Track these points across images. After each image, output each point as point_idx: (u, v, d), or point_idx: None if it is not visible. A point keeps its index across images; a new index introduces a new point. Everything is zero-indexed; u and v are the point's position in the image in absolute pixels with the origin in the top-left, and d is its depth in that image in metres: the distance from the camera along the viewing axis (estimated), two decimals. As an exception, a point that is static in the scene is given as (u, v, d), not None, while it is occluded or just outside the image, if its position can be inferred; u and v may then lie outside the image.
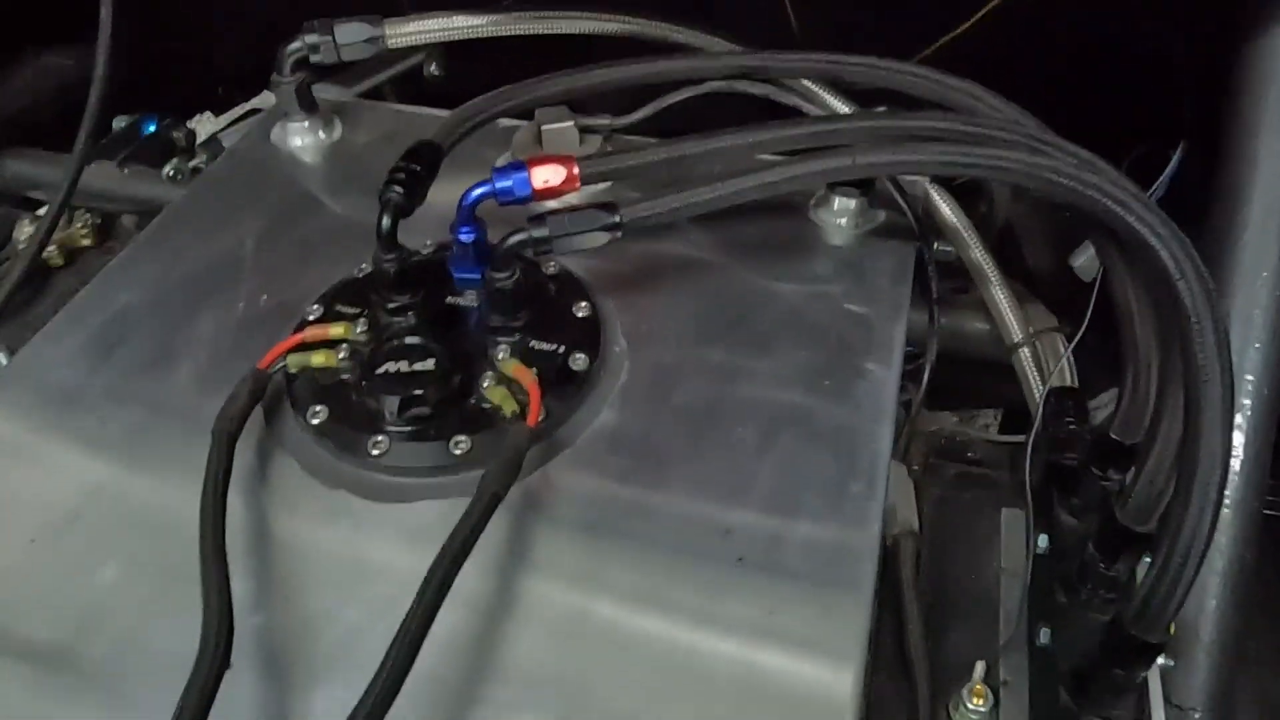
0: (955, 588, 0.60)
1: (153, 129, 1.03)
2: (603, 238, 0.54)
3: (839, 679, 0.44)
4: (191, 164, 0.95)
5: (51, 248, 0.81)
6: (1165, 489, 0.46)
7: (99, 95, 0.83)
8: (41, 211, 1.12)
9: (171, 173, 0.91)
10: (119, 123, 1.02)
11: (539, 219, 0.53)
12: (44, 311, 0.77)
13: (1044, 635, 0.52)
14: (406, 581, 0.45)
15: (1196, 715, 0.53)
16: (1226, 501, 0.53)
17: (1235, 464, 0.54)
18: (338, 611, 0.47)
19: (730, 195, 0.54)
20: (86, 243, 0.82)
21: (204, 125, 1.16)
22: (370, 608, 0.47)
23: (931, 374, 0.67)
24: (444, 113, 0.81)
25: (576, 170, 0.56)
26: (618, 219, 0.54)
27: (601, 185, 0.63)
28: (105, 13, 0.85)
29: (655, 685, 0.45)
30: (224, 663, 0.41)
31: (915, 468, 0.68)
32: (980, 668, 0.54)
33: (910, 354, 0.66)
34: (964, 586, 0.60)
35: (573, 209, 0.54)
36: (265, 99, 1.33)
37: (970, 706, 0.53)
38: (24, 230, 0.81)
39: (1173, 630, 0.43)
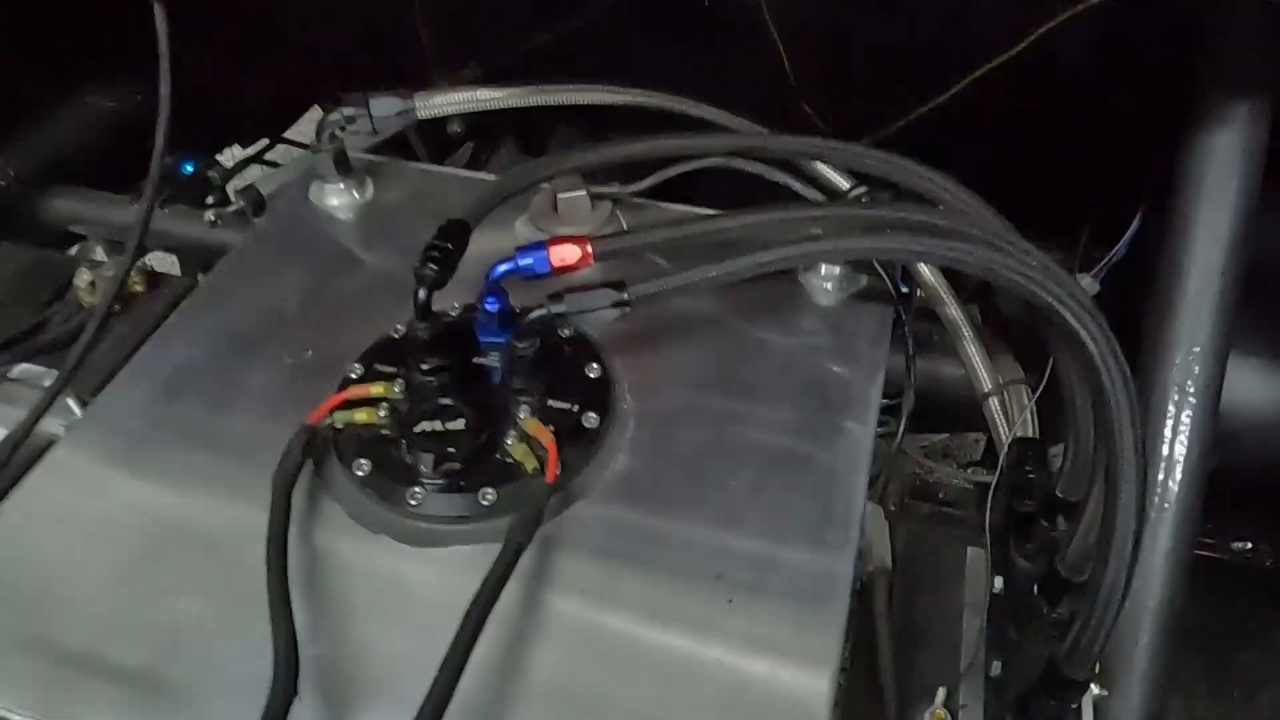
0: (923, 619, 0.68)
1: (190, 169, 1.10)
2: (613, 313, 0.61)
3: (817, 684, 0.52)
4: (231, 209, 1.03)
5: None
6: (1094, 545, 0.53)
7: (163, 141, 0.89)
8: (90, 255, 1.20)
9: (213, 218, 0.98)
10: (159, 162, 1.09)
11: (557, 296, 0.61)
12: (102, 355, 0.84)
13: (996, 667, 0.59)
14: (442, 615, 0.53)
15: (1130, 738, 0.60)
16: (1159, 551, 0.61)
17: (1167, 517, 0.61)
18: (382, 642, 0.55)
19: (727, 275, 0.62)
20: (138, 288, 0.89)
21: (232, 157, 1.24)
22: (411, 638, 0.55)
23: (909, 422, 0.75)
24: (461, 172, 0.89)
25: (590, 249, 0.64)
26: (626, 296, 0.61)
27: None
28: (164, 62, 0.90)
29: (658, 693, 0.52)
30: (292, 693, 0.48)
31: (892, 507, 0.75)
32: (942, 693, 0.62)
33: (892, 392, 0.74)
34: (931, 618, 0.68)
35: (586, 288, 0.61)
36: (298, 130, 1.41)
37: (931, 727, 0.61)
38: (83, 278, 0.88)
39: (1097, 669, 0.51)
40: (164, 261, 1.19)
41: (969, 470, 1.17)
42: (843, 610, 0.56)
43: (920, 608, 0.68)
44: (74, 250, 1.24)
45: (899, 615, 0.68)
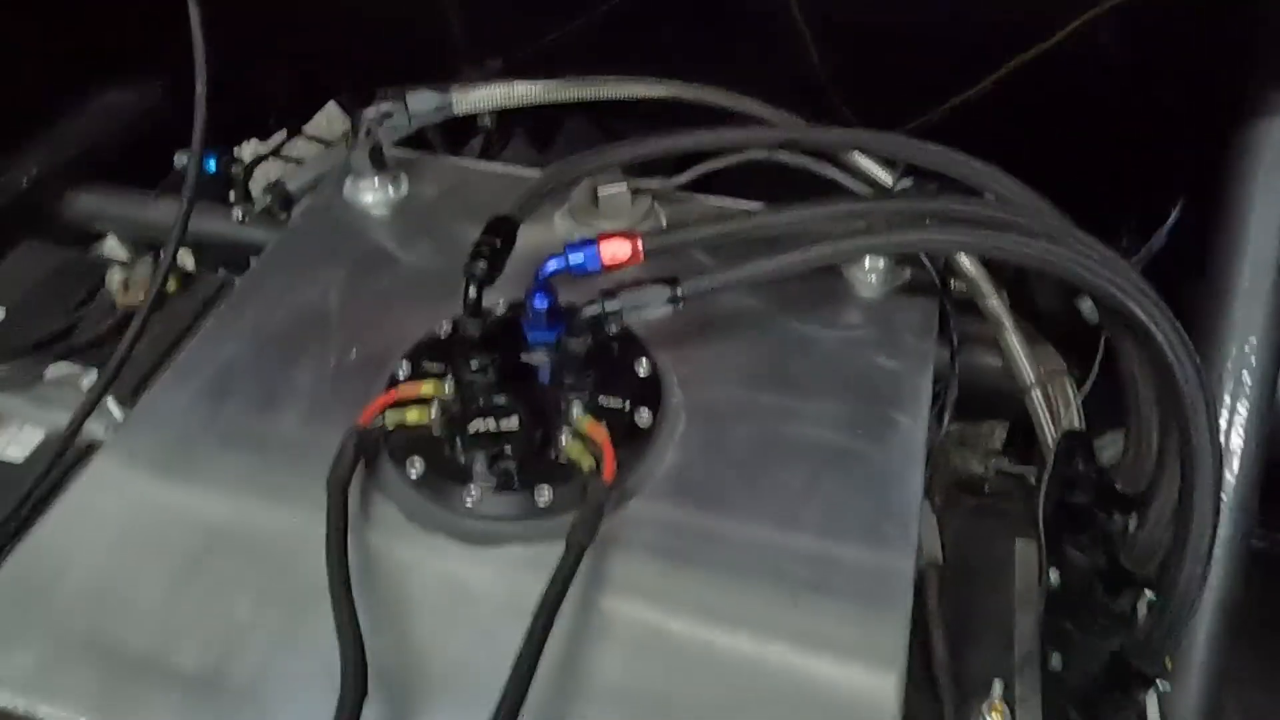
0: (975, 613, 0.67)
1: (213, 165, 1.10)
2: (666, 309, 0.61)
3: (884, 683, 0.52)
4: (258, 209, 1.02)
5: (143, 293, 0.88)
6: (1164, 539, 0.53)
7: (200, 140, 0.89)
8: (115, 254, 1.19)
9: (241, 215, 0.98)
10: (180, 159, 1.08)
11: (610, 293, 0.60)
12: (139, 356, 0.83)
13: (1055, 660, 0.59)
14: (501, 615, 0.53)
15: (1188, 729, 0.60)
16: (1219, 541, 0.60)
17: (1226, 508, 0.60)
18: (444, 643, 0.55)
19: (779, 270, 0.61)
20: (172, 288, 0.89)
21: (249, 151, 1.23)
22: (472, 639, 0.55)
23: (953, 413, 0.75)
24: (495, 166, 0.88)
25: (641, 245, 0.63)
26: (680, 293, 0.61)
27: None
28: (200, 58, 0.88)
29: (723, 694, 0.52)
30: (363, 692, 0.48)
31: (937, 501, 0.75)
32: (998, 686, 0.62)
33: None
34: (982, 612, 0.67)
35: (638, 283, 0.61)
36: (315, 124, 1.40)
37: (989, 720, 0.60)
38: (115, 279, 0.87)
39: (1169, 664, 0.50)
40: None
41: (993, 460, 1.17)
42: (906, 608, 0.56)
43: (971, 601, 0.68)
44: (96, 248, 1.24)
45: (951, 610, 0.67)
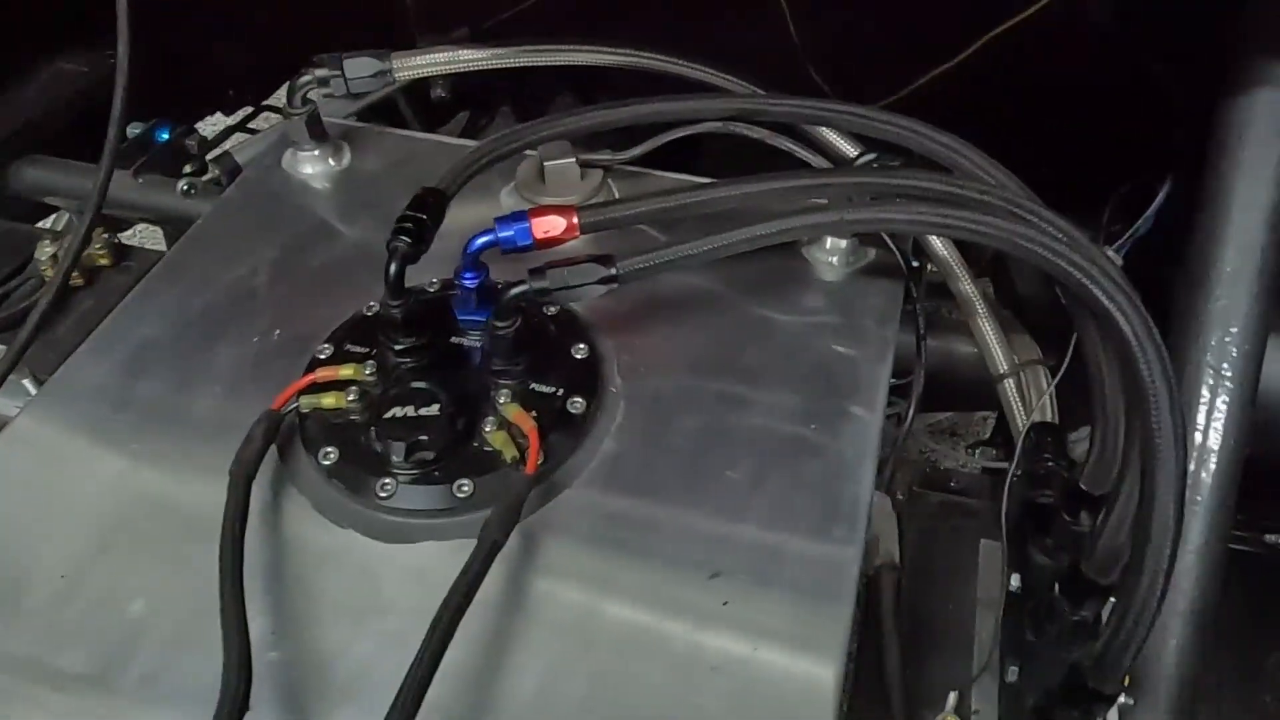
0: (934, 617, 0.63)
1: (166, 137, 1.05)
2: (600, 289, 0.56)
3: (822, 678, 0.48)
4: (205, 178, 0.98)
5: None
6: (1125, 545, 0.49)
7: (121, 108, 0.85)
8: (59, 226, 1.15)
9: (186, 187, 0.93)
10: (133, 129, 1.04)
11: (539, 271, 0.56)
12: (64, 332, 0.79)
13: (1012, 672, 0.55)
14: (413, 618, 0.48)
15: (1156, 746, 0.56)
16: (1191, 547, 0.56)
17: (1200, 510, 0.56)
18: (349, 647, 0.51)
19: (723, 248, 0.57)
20: (104, 262, 0.85)
21: (214, 128, 1.19)
22: (379, 643, 0.51)
23: (918, 404, 0.70)
24: (445, 138, 0.84)
25: (576, 220, 0.59)
26: (614, 271, 0.56)
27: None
28: (122, 23, 0.85)
29: (652, 692, 0.49)
30: (243, 708, 0.44)
31: (900, 496, 0.71)
32: (953, 698, 0.58)
33: (899, 371, 0.69)
34: (943, 616, 0.63)
35: (571, 261, 0.56)
36: (278, 97, 1.35)
37: (942, 735, 0.56)
38: (45, 250, 0.83)
39: (1126, 681, 0.46)
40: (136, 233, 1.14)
41: (978, 451, 1.13)
42: (849, 604, 0.52)
43: (930, 604, 0.64)
44: (49, 222, 1.20)
45: (908, 613, 0.63)
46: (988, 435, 1.30)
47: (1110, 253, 0.80)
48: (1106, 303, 0.46)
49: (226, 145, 1.09)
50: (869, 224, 0.57)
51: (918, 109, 0.88)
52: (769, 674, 0.49)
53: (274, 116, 1.35)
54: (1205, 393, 0.58)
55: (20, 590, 0.54)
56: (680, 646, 0.50)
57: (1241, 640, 0.64)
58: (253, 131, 1.35)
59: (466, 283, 0.60)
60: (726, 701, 0.48)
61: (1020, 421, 0.72)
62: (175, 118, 1.10)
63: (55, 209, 1.16)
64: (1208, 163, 0.61)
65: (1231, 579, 0.61)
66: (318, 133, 0.76)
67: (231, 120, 1.30)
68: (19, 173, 1.04)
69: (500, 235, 0.58)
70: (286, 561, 0.54)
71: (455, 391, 0.57)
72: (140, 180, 0.99)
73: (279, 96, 1.38)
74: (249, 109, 1.33)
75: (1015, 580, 0.59)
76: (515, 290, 0.56)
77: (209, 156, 1.08)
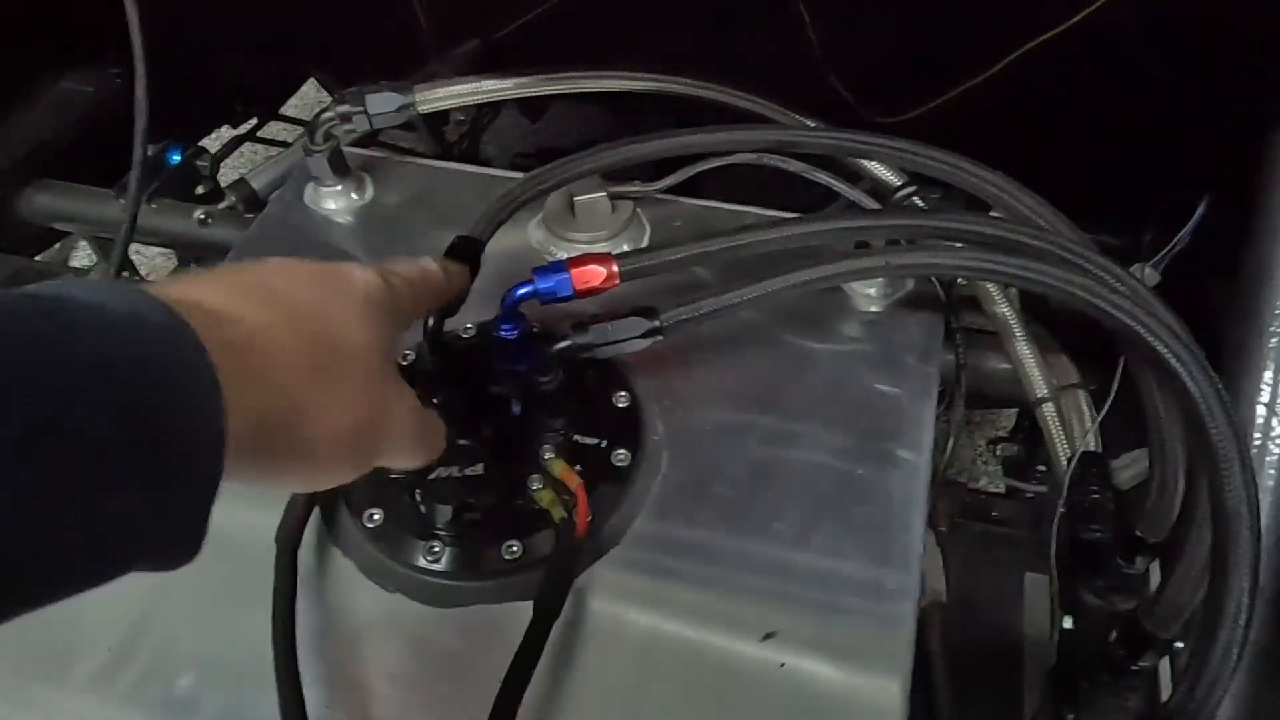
0: (982, 655, 0.63)
1: (177, 159, 1.04)
2: (644, 343, 0.55)
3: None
4: (222, 205, 0.96)
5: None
6: (1190, 600, 0.48)
7: (143, 142, 0.83)
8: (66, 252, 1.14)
9: (203, 217, 0.92)
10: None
11: (582, 326, 0.55)
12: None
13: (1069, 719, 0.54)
14: (468, 684, 0.48)
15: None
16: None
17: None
18: (405, 717, 0.50)
19: (765, 295, 0.56)
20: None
21: (220, 140, 1.17)
22: (436, 713, 0.50)
23: (958, 439, 0.69)
24: (467, 167, 0.82)
25: (616, 268, 0.58)
26: (658, 324, 0.55)
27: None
28: (137, 47, 0.83)
29: None
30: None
31: (942, 529, 0.70)
32: (1006, 742, 0.58)
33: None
34: (990, 654, 0.63)
35: (614, 317, 0.55)
36: (292, 106, 1.33)
37: (997, 781, 0.56)
38: (65, 287, 0.82)
39: (1194, 744, 0.46)
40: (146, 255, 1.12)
41: (999, 448, 1.12)
42: (907, 658, 0.51)
43: (977, 642, 0.64)
44: (58, 247, 1.18)
45: (954, 650, 0.63)
46: (1009, 432, 1.29)
47: (1148, 269, 0.79)
48: (1175, 364, 0.45)
49: (234, 158, 1.08)
50: (916, 269, 0.56)
51: (945, 123, 0.86)
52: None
53: (280, 126, 1.33)
54: (1259, 432, 0.57)
55: (68, 663, 0.53)
56: (737, 706, 0.50)
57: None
58: (261, 141, 1.34)
59: (505, 334, 0.59)
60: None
61: (1060, 448, 0.71)
62: (184, 133, 1.09)
63: (63, 235, 1.15)
64: (1258, 194, 0.60)
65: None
66: (340, 168, 0.75)
67: (239, 131, 1.28)
68: (30, 199, 1.03)
69: (540, 287, 0.57)
70: (336, 628, 0.54)
71: (498, 447, 0.56)
72: (154, 206, 0.97)
73: (287, 107, 1.36)
74: (253, 121, 1.31)
75: (1067, 622, 0.58)
76: (559, 346, 0.55)
77: (220, 176, 1.07)
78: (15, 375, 0.26)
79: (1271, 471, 0.57)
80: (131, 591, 0.54)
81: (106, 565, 0.29)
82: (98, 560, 0.29)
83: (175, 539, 0.31)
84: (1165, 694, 0.48)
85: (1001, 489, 1.28)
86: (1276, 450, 0.57)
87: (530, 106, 1.33)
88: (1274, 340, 0.57)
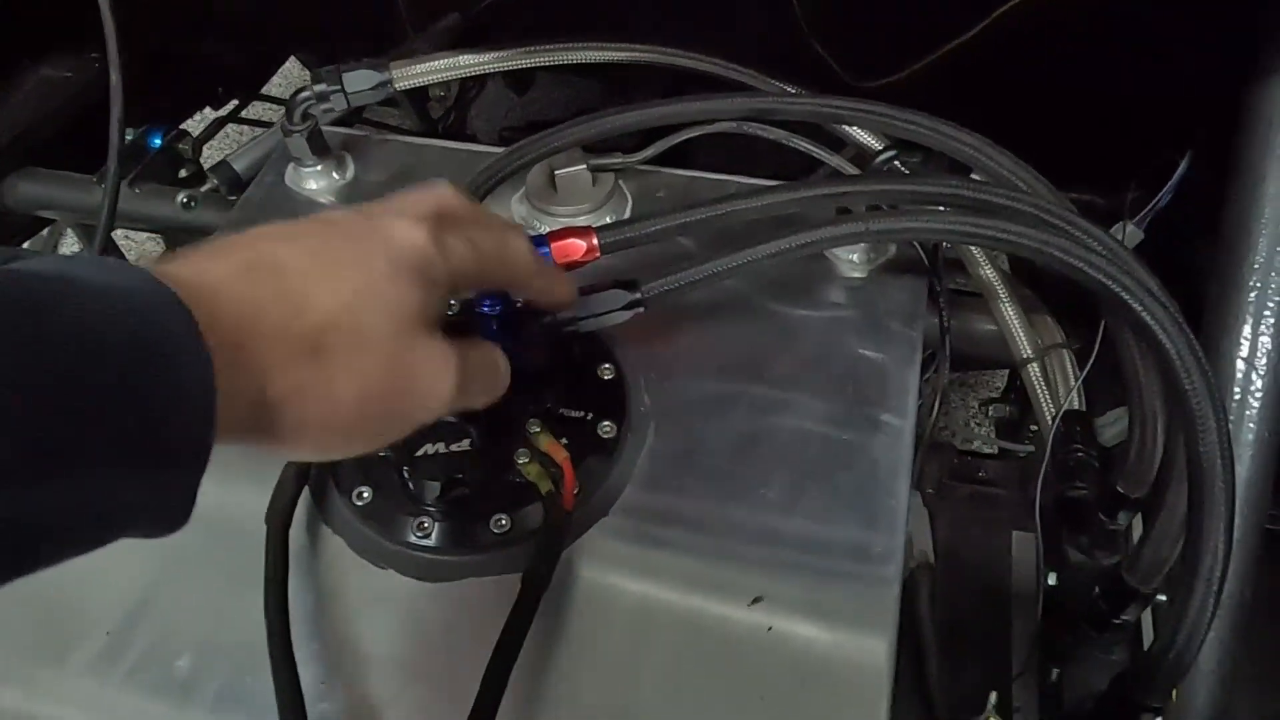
0: (970, 614, 0.64)
1: (159, 143, 1.03)
2: (626, 315, 0.56)
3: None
4: (205, 188, 0.96)
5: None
6: (1170, 554, 0.49)
7: (120, 127, 0.83)
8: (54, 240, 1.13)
9: (186, 200, 0.92)
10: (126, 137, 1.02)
11: (564, 301, 0.55)
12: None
13: (1053, 674, 0.55)
14: (461, 658, 0.49)
15: (1196, 739, 0.57)
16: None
17: (1237, 504, 0.56)
18: (401, 692, 0.51)
19: (746, 264, 0.56)
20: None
21: (202, 122, 1.16)
22: (431, 687, 0.51)
23: (943, 404, 0.70)
24: (448, 143, 0.82)
25: (596, 241, 0.58)
26: (640, 296, 0.55)
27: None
28: (110, 31, 0.82)
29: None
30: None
31: (929, 491, 0.71)
32: (994, 698, 0.58)
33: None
34: (979, 613, 0.64)
35: (594, 289, 0.55)
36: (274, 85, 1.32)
37: (985, 736, 0.57)
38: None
39: (1175, 696, 0.47)
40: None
41: (991, 409, 1.12)
42: (893, 619, 0.52)
43: (966, 601, 0.65)
44: (45, 234, 1.18)
45: (943, 611, 0.64)
46: (999, 392, 1.30)
47: (1131, 227, 0.80)
48: (1152, 324, 0.45)
49: (217, 139, 1.08)
50: (896, 234, 0.56)
51: (929, 84, 0.86)
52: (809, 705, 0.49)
53: (263, 106, 1.32)
54: (1237, 389, 0.57)
55: (67, 646, 0.54)
56: (727, 670, 0.51)
57: (1276, 625, 0.65)
58: (243, 122, 1.33)
59: (487, 310, 0.59)
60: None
61: (1046, 408, 0.72)
62: (165, 117, 1.08)
63: (48, 223, 1.15)
64: (1236, 149, 0.60)
65: (1265, 564, 0.61)
66: (320, 148, 0.75)
67: (223, 112, 1.27)
68: (13, 187, 1.02)
69: (521, 262, 0.57)
70: (329, 605, 0.54)
71: (484, 422, 0.56)
72: (137, 190, 0.97)
73: (270, 85, 1.35)
74: (234, 103, 1.30)
75: (1052, 578, 0.59)
76: (541, 321, 0.55)
77: (203, 158, 1.07)
78: (10, 345, 0.27)
79: (1251, 426, 0.57)
80: (129, 575, 0.55)
81: (94, 532, 0.31)
82: (86, 527, 0.30)
83: (162, 513, 0.32)
84: (1148, 646, 0.49)
85: (995, 450, 1.29)
86: (1255, 405, 0.57)
87: (516, 81, 1.32)
88: (1252, 295, 0.57)
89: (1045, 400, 0.72)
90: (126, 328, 0.30)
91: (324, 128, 0.77)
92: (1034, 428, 0.99)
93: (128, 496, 0.30)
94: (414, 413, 0.42)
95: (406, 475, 0.55)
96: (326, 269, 0.38)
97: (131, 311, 0.31)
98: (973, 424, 1.62)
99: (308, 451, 0.39)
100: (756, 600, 0.53)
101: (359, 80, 0.71)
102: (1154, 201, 0.78)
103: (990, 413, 1.11)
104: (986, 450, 0.81)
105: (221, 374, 0.32)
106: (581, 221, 0.68)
